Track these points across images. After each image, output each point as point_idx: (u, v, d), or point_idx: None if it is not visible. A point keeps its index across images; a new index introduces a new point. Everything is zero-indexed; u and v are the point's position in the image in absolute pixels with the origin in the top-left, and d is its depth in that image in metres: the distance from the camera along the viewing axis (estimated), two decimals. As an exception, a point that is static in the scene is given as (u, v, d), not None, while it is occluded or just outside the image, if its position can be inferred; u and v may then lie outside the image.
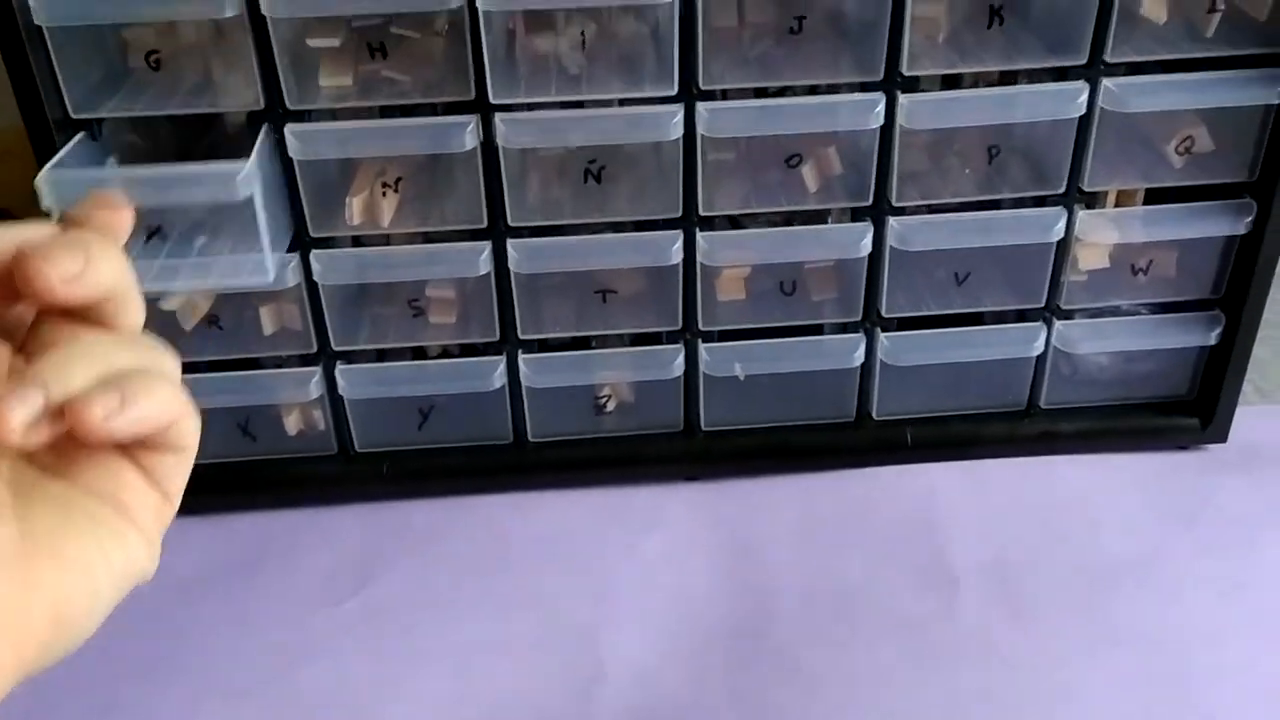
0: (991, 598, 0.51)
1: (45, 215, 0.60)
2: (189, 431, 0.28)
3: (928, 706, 0.47)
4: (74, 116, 0.48)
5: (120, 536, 0.27)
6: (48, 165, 0.46)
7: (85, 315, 0.27)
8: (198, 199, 0.47)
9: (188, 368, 0.56)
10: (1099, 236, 0.54)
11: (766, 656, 0.49)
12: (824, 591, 0.52)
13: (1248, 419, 0.59)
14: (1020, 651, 0.49)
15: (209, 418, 0.59)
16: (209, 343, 0.54)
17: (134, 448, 0.27)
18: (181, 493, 0.29)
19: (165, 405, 0.26)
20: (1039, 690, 0.47)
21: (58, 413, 0.25)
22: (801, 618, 0.51)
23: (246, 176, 0.46)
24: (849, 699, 0.47)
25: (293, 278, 0.51)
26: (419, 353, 0.57)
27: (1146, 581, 0.52)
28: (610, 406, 0.58)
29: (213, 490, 0.56)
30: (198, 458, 0.62)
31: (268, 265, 0.48)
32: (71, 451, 0.27)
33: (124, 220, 0.28)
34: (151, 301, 0.51)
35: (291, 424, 0.56)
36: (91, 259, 0.26)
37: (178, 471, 0.28)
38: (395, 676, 0.49)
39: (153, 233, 0.49)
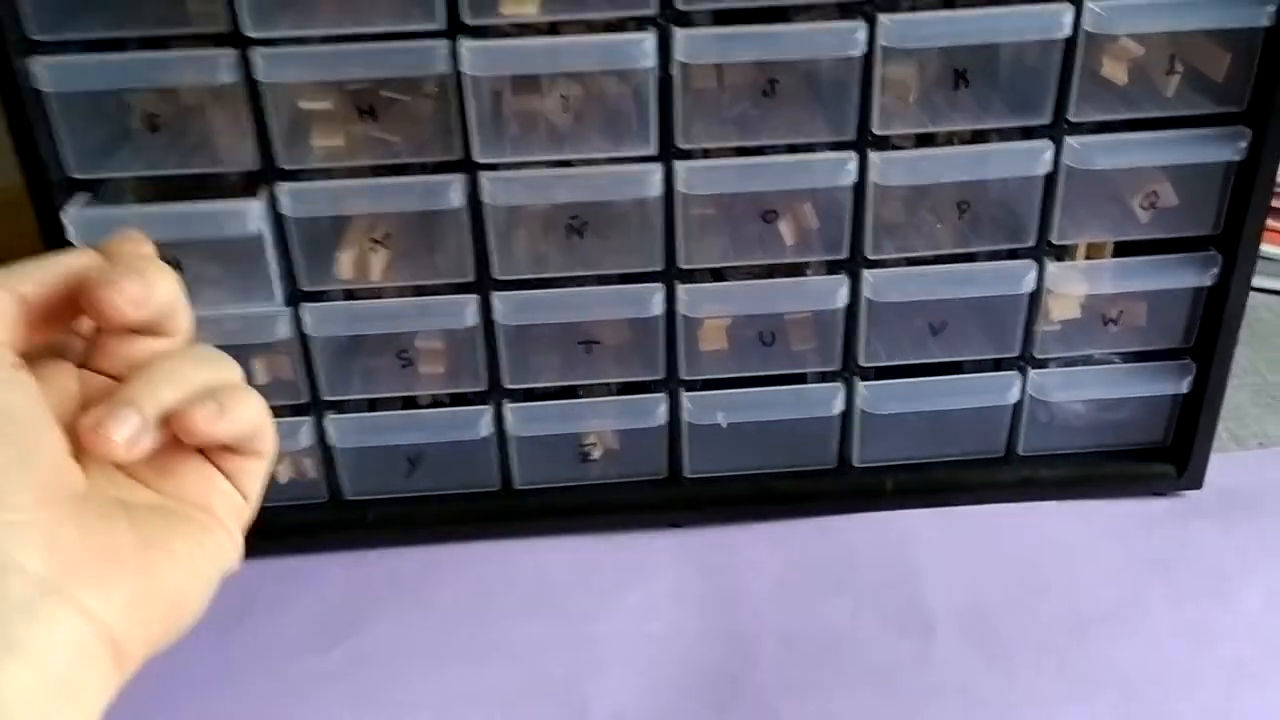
0: (969, 643, 0.52)
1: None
2: (270, 437, 0.32)
3: (905, 751, 0.47)
4: (76, 177, 0.49)
5: (214, 535, 0.30)
6: (72, 204, 0.49)
7: (144, 329, 0.30)
8: (210, 234, 0.50)
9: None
10: (1069, 288, 0.56)
11: (746, 703, 0.50)
12: (804, 637, 0.53)
13: (1223, 465, 0.60)
14: (998, 697, 0.49)
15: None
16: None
17: (219, 456, 0.31)
18: (260, 496, 0.33)
19: (255, 412, 0.30)
20: (1016, 735, 0.48)
21: (155, 427, 0.28)
22: (781, 664, 0.51)
23: (257, 213, 0.49)
24: (828, 744, 0.48)
25: (285, 330, 0.53)
26: (408, 402, 0.58)
27: (1123, 628, 0.52)
28: (595, 455, 0.59)
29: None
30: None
31: (276, 294, 0.52)
32: (163, 463, 0.30)
33: (149, 253, 0.31)
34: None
35: (282, 472, 0.57)
36: (150, 281, 0.29)
37: (258, 476, 0.32)
38: (380, 724, 0.49)
39: (174, 264, 0.50)
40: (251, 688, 0.51)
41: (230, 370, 0.31)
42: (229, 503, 0.31)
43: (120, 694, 0.51)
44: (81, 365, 0.30)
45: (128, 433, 0.28)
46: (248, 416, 0.30)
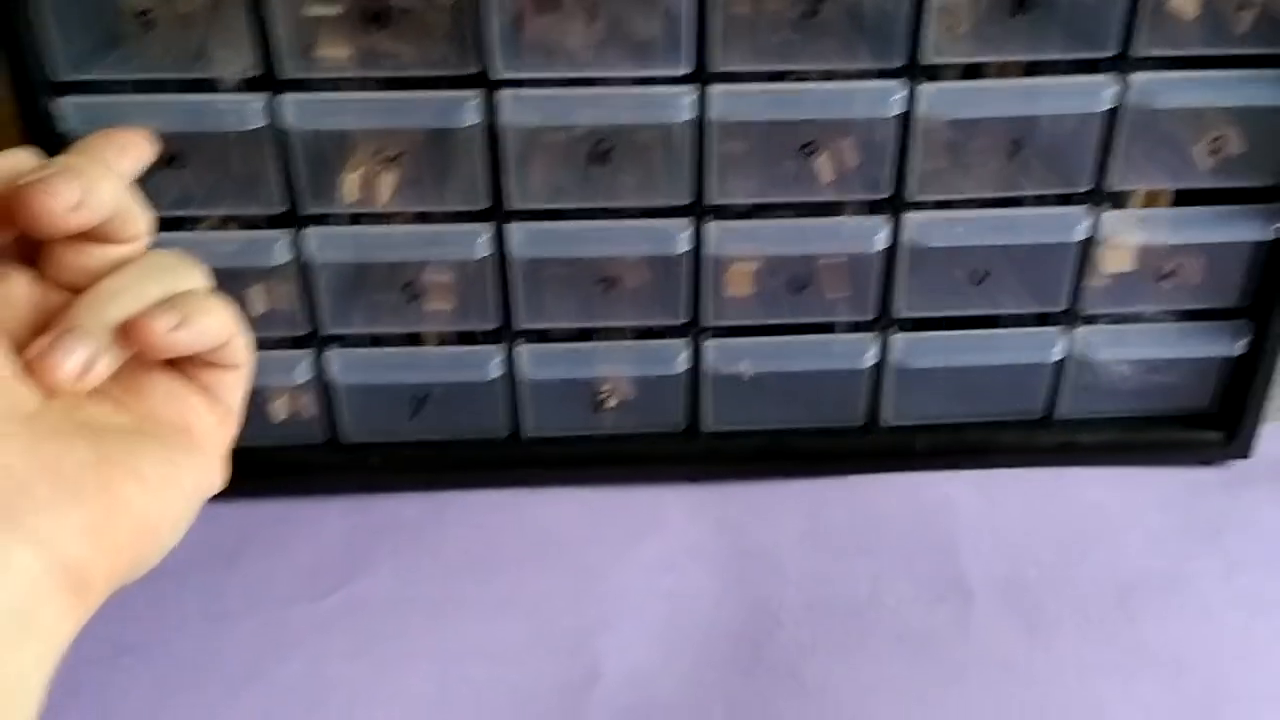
0: (1008, 612, 0.49)
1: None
2: (242, 347, 0.29)
3: (940, 718, 0.44)
4: (64, 79, 0.46)
5: (190, 456, 0.28)
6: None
7: (92, 235, 0.27)
8: (209, 127, 0.47)
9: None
10: (1124, 238, 0.52)
11: (767, 665, 0.47)
12: (829, 600, 0.50)
13: (1274, 434, 0.57)
14: (1040, 669, 0.46)
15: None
16: (195, 322, 0.51)
17: (192, 370, 0.28)
18: (242, 409, 0.30)
19: (221, 320, 0.28)
20: (1061, 709, 0.44)
21: (111, 347, 0.26)
22: (804, 626, 0.48)
23: (258, 110, 0.46)
24: (854, 712, 0.45)
25: (286, 254, 0.49)
26: (414, 341, 0.54)
27: (1172, 599, 0.49)
28: (611, 403, 0.56)
29: (194, 477, 0.54)
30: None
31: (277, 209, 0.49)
32: (132, 383, 0.27)
33: (141, 149, 0.29)
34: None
35: (278, 409, 0.54)
36: (90, 184, 0.26)
37: (236, 388, 0.30)
38: (377, 678, 0.46)
39: (173, 158, 0.47)
40: (240, 633, 0.48)
41: (191, 276, 0.28)
42: (207, 422, 0.28)
43: (103, 630, 0.48)
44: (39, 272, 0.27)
45: (76, 361, 0.25)
46: (213, 325, 0.27)
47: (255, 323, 0.52)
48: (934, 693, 0.45)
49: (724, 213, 0.50)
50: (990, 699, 0.45)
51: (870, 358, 0.54)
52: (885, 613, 0.49)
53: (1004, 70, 0.49)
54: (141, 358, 0.26)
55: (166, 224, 0.49)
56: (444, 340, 0.54)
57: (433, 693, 0.45)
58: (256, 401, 0.54)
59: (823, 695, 0.45)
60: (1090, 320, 0.54)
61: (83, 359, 0.25)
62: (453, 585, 0.50)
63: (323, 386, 0.53)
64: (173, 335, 0.26)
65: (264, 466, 0.55)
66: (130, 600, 0.50)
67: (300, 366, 0.52)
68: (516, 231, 0.50)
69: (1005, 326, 0.55)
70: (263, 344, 0.54)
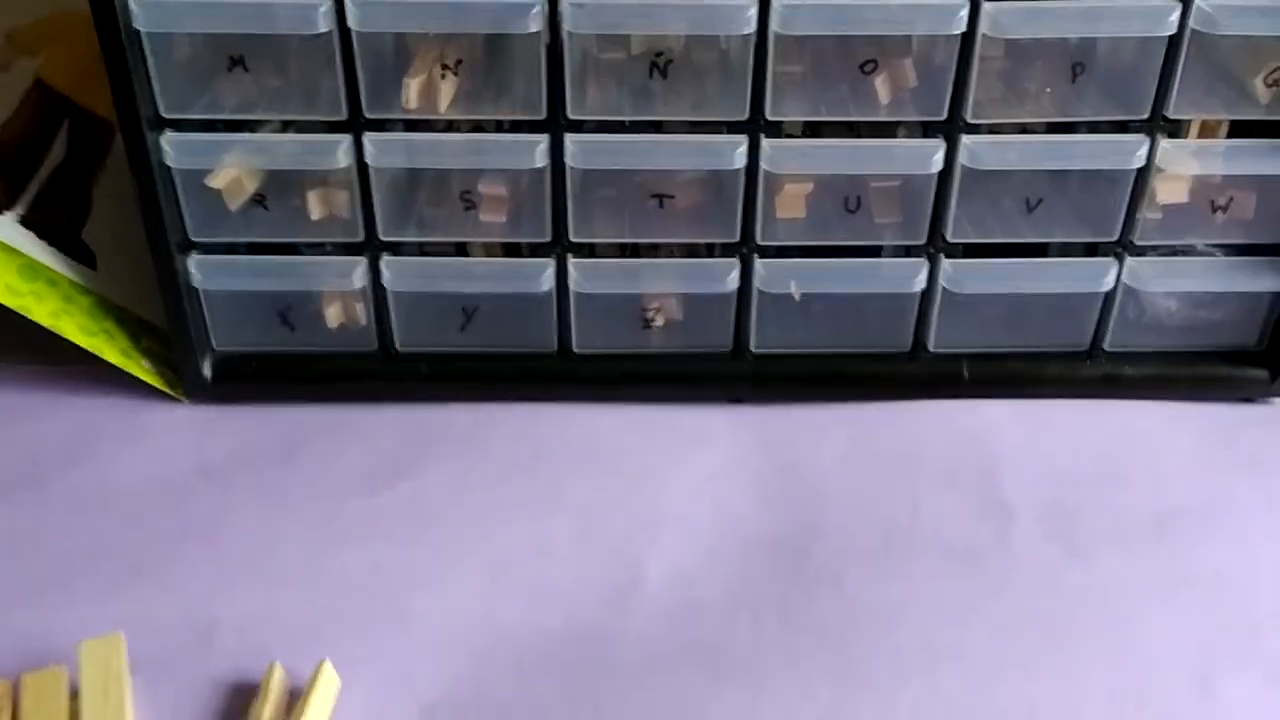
0: (1049, 533, 0.49)
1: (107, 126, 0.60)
2: None
3: (978, 630, 0.45)
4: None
5: None
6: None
7: None
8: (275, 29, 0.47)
9: (230, 249, 0.55)
10: (1180, 168, 0.52)
11: (809, 573, 0.47)
12: (871, 516, 0.50)
13: (1319, 375, 0.57)
14: (1079, 586, 0.47)
15: (249, 303, 0.58)
16: (254, 225, 0.52)
17: None
18: None
19: None
20: (1099, 623, 0.45)
21: None
22: (847, 539, 0.49)
23: (325, 12, 0.46)
24: (894, 619, 0.45)
25: (346, 158, 0.50)
26: (466, 252, 0.55)
27: (1211, 527, 0.50)
28: (658, 322, 0.56)
29: (249, 379, 0.55)
30: (236, 345, 0.61)
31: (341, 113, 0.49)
32: None
33: None
34: (198, 178, 0.51)
35: (332, 316, 0.55)
36: None
37: None
38: (428, 568, 0.47)
39: (235, 62, 0.48)
40: (297, 524, 0.49)
41: None
42: None
43: (163, 518, 0.49)
44: None
45: None
46: None
47: (312, 228, 0.54)
48: (972, 605, 0.46)
49: (781, 130, 0.51)
50: (1028, 613, 0.46)
51: (919, 282, 0.54)
52: (926, 529, 0.50)
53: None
54: None
55: (229, 126, 0.51)
56: (496, 252, 0.55)
57: (483, 584, 0.47)
58: (311, 307, 0.55)
59: (863, 602, 0.46)
60: (1141, 252, 0.54)
61: None
62: (501, 489, 0.51)
63: (376, 294, 0.54)
64: None
65: (317, 373, 0.56)
66: (190, 490, 0.52)
67: (355, 272, 0.53)
68: (574, 142, 0.50)
69: (1056, 255, 0.55)
70: (319, 249, 0.55)
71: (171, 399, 0.56)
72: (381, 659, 0.44)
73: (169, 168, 0.50)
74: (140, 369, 0.55)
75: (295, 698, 0.41)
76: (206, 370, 0.55)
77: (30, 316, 0.52)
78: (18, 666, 0.42)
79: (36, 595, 0.46)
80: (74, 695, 0.40)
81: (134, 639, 0.43)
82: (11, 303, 0.52)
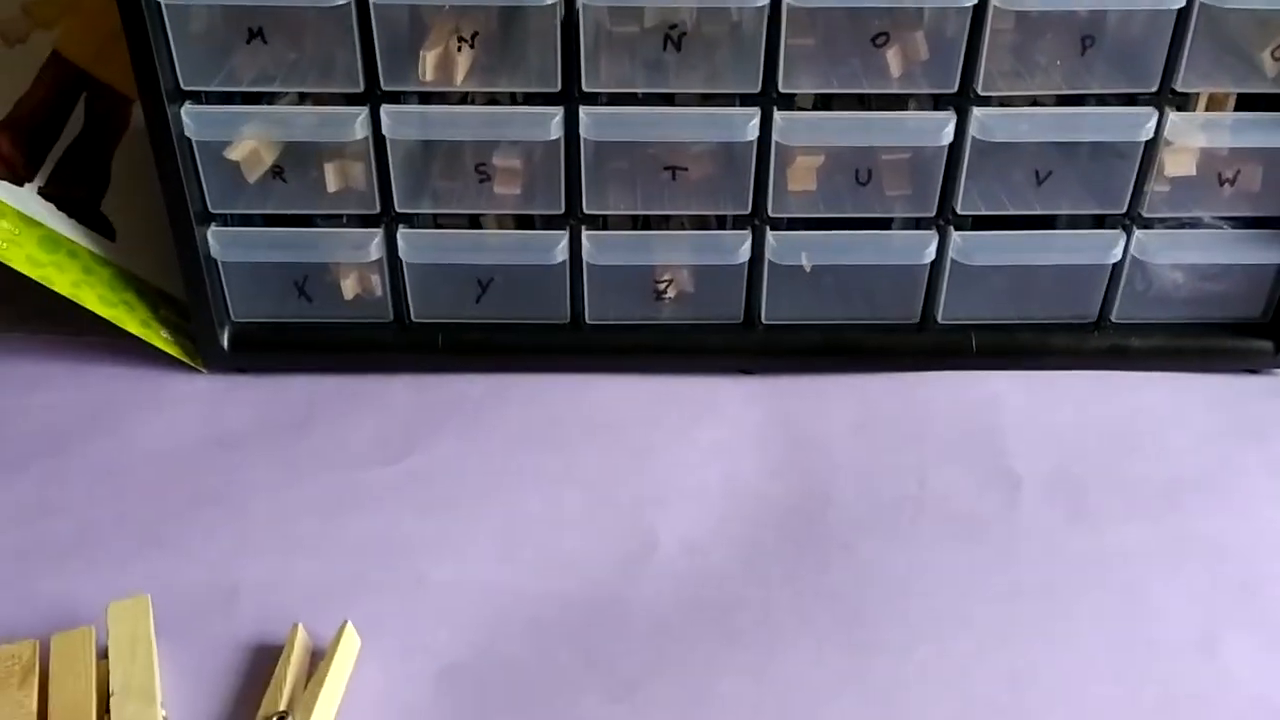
0: (1055, 501, 0.50)
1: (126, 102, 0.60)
2: None
3: (986, 597, 0.46)
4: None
5: None
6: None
7: None
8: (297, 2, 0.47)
9: (247, 221, 0.56)
10: (1188, 141, 0.52)
11: (819, 540, 0.48)
12: (880, 485, 0.51)
13: (1324, 347, 0.57)
14: (1085, 553, 0.48)
15: (267, 274, 0.59)
16: (271, 196, 0.53)
17: None
18: None
19: None
20: (1105, 588, 0.46)
21: None
22: (857, 506, 0.50)
23: None
24: (904, 585, 0.46)
25: (363, 130, 0.50)
26: (481, 224, 0.56)
27: (1215, 494, 0.50)
28: (670, 294, 0.57)
29: (266, 349, 0.56)
30: (253, 316, 0.62)
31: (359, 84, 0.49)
32: None
33: None
34: (216, 150, 0.52)
35: (348, 288, 0.56)
36: None
37: None
38: (444, 535, 0.48)
39: (254, 34, 0.48)
40: (314, 491, 0.50)
41: None
42: None
43: (181, 487, 0.50)
44: None
45: None
46: None
47: (328, 200, 0.54)
48: (981, 571, 0.47)
49: (793, 103, 0.51)
50: (1035, 579, 0.47)
51: (929, 254, 0.54)
52: (934, 498, 0.50)
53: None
54: None
55: (247, 98, 0.51)
56: (508, 225, 0.55)
57: (498, 550, 0.48)
58: (328, 278, 0.56)
59: (873, 568, 0.47)
60: (1149, 224, 0.55)
61: None
62: (514, 458, 0.52)
63: (392, 266, 0.55)
64: None
65: (334, 343, 0.57)
66: (209, 458, 0.53)
67: (372, 244, 0.53)
68: (588, 114, 0.50)
69: (1064, 228, 0.56)
70: (335, 221, 0.56)
71: (190, 369, 0.56)
72: (399, 622, 0.45)
73: (189, 140, 0.50)
74: (159, 339, 0.56)
75: (317, 658, 0.42)
76: (224, 340, 0.56)
77: (51, 287, 0.53)
78: (46, 628, 0.42)
79: (62, 560, 0.47)
80: (102, 655, 0.41)
81: (158, 602, 0.44)
82: (33, 273, 0.52)
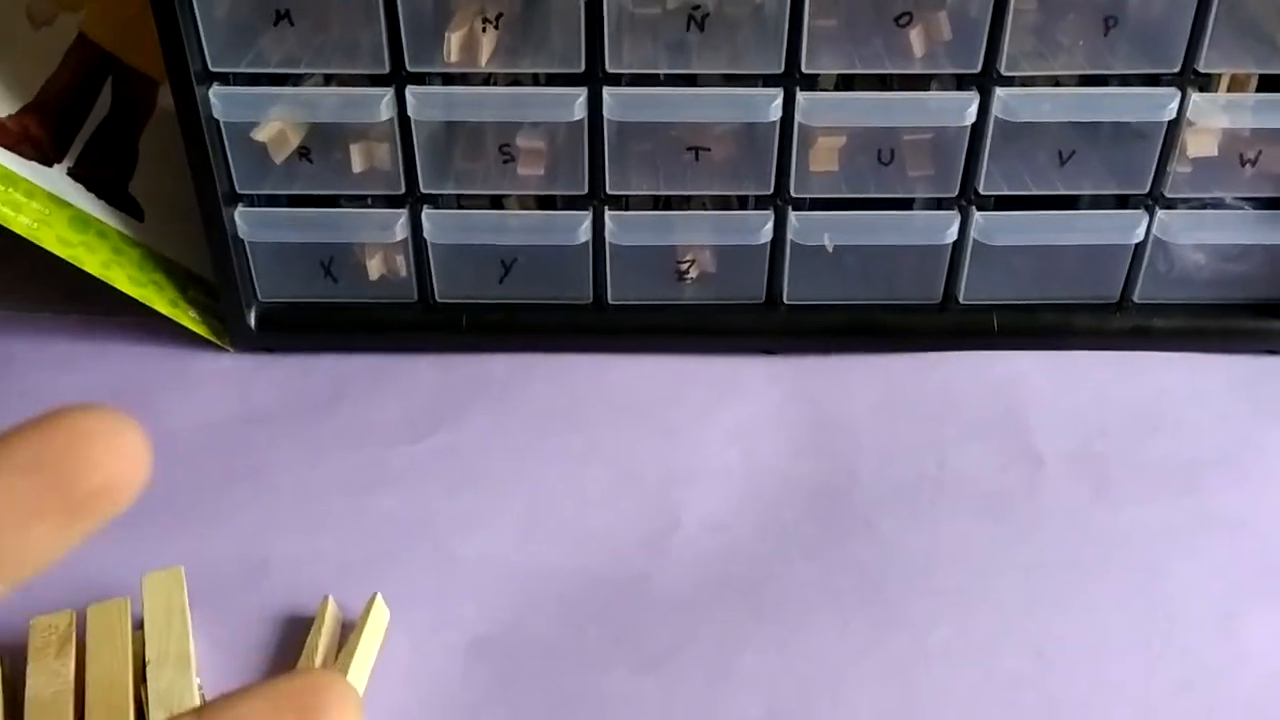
0: (1076, 479, 0.50)
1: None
2: None
3: (1009, 572, 0.46)
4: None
5: None
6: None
7: None
8: None
9: (274, 201, 0.56)
10: (1210, 121, 0.52)
11: (843, 518, 0.49)
12: (903, 464, 0.51)
13: (1346, 328, 0.57)
14: (1107, 531, 0.48)
15: (293, 254, 0.59)
16: (297, 177, 0.53)
17: None
18: None
19: None
20: (1126, 566, 0.46)
21: None
22: (881, 483, 0.50)
23: None
24: (927, 562, 0.47)
25: (388, 111, 0.51)
26: (504, 205, 0.56)
27: (1237, 474, 0.50)
28: (692, 274, 0.57)
29: (292, 329, 0.57)
30: (280, 296, 0.62)
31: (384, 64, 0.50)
32: None
33: None
34: (244, 131, 0.52)
35: (374, 268, 0.56)
36: None
37: None
38: (470, 512, 0.49)
39: (280, 16, 0.49)
40: (341, 468, 0.51)
41: None
42: None
43: (210, 463, 0.51)
44: None
45: None
46: None
47: (354, 181, 0.55)
48: (1003, 548, 0.47)
49: (816, 83, 0.51)
50: (1057, 557, 0.47)
51: (951, 234, 0.55)
52: (957, 477, 0.51)
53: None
54: None
55: (274, 80, 0.52)
56: (532, 205, 0.56)
57: (524, 527, 0.48)
58: (353, 259, 0.56)
59: (896, 545, 0.47)
60: (1171, 205, 0.55)
61: None
62: (538, 437, 0.53)
63: (417, 246, 0.55)
64: None
65: (359, 323, 0.57)
66: (237, 436, 0.54)
67: (397, 224, 0.54)
68: (612, 95, 0.51)
69: (1087, 208, 0.56)
70: (360, 202, 0.56)
71: (218, 348, 0.57)
72: (427, 596, 0.45)
73: (216, 121, 0.51)
74: (188, 319, 0.56)
75: (347, 630, 0.43)
76: (252, 320, 0.57)
77: (82, 267, 0.53)
78: (82, 600, 0.43)
79: (95, 534, 0.47)
80: (137, 626, 0.42)
81: (190, 575, 0.44)
82: (63, 253, 0.53)
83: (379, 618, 0.43)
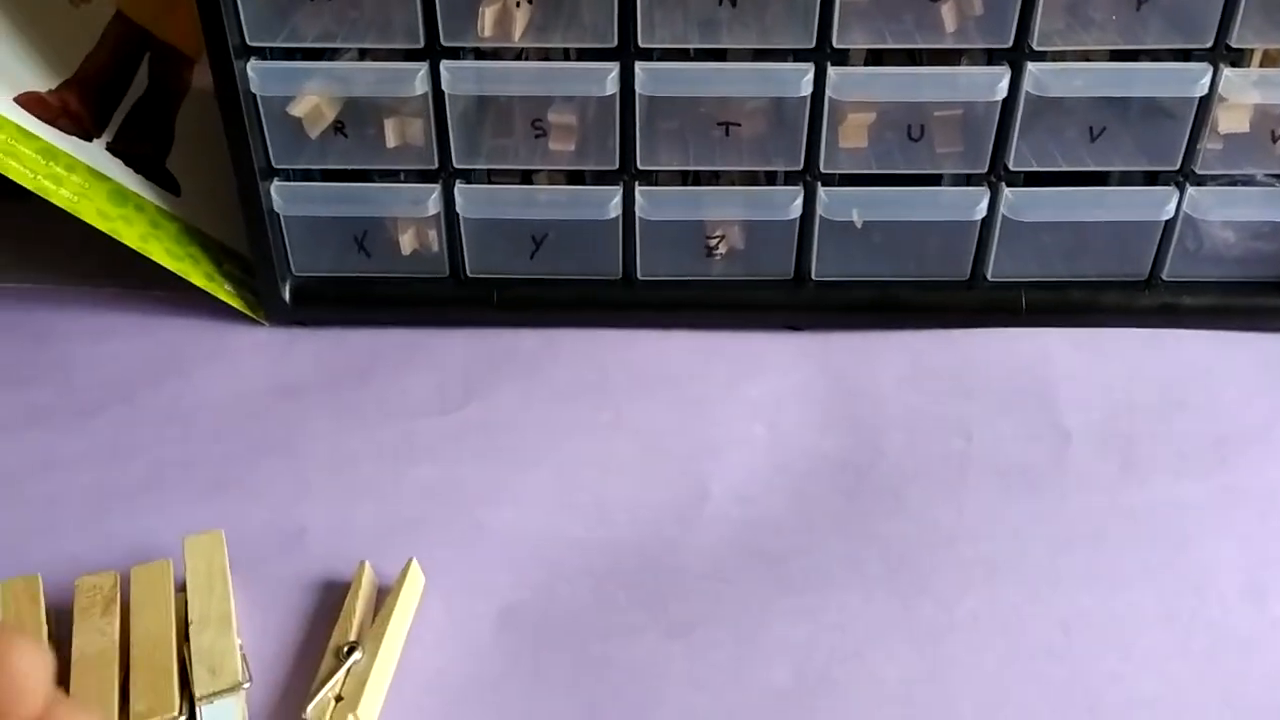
0: (1103, 454, 0.50)
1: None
2: None
3: (1035, 546, 0.46)
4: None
5: None
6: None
7: None
8: None
9: (308, 176, 0.57)
10: (1242, 97, 0.52)
11: (870, 491, 0.49)
12: (930, 438, 0.52)
13: (1377, 306, 0.57)
14: (1134, 505, 0.48)
15: (327, 228, 0.60)
16: (332, 152, 0.54)
17: None
18: None
19: None
20: (1153, 540, 0.46)
21: None
22: (907, 457, 0.50)
23: None
24: (953, 534, 0.47)
25: (423, 86, 0.51)
26: (535, 180, 0.56)
27: (1265, 450, 0.50)
28: (721, 250, 0.58)
29: (325, 303, 0.58)
30: (314, 270, 0.63)
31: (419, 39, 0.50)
32: None
33: None
34: (280, 105, 0.53)
35: (406, 243, 0.57)
36: None
37: None
38: (501, 482, 0.49)
39: None
40: (374, 439, 0.51)
41: None
42: None
43: (245, 433, 0.52)
44: None
45: None
46: None
47: (387, 156, 0.55)
48: (1030, 522, 0.48)
49: (847, 58, 0.51)
50: (1084, 531, 0.47)
51: (980, 211, 0.55)
52: (984, 451, 0.51)
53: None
54: None
55: (310, 54, 0.52)
56: (562, 180, 0.56)
57: (554, 498, 0.49)
58: (386, 234, 0.57)
59: (923, 518, 0.48)
60: (1201, 181, 0.55)
61: None
62: (568, 410, 0.53)
63: (449, 221, 0.56)
64: None
65: (391, 297, 0.58)
66: (272, 408, 0.55)
67: (430, 199, 0.55)
68: (644, 70, 0.51)
69: (1117, 184, 0.56)
70: (393, 177, 0.57)
71: (253, 321, 0.58)
72: (460, 564, 0.46)
73: (254, 95, 0.52)
74: (223, 292, 0.57)
75: (383, 595, 0.43)
76: (286, 294, 0.57)
77: (121, 240, 0.54)
78: (124, 562, 0.44)
79: (135, 500, 0.49)
80: (179, 588, 0.43)
81: (228, 542, 0.45)
82: (103, 226, 0.54)
83: (414, 582, 0.43)
